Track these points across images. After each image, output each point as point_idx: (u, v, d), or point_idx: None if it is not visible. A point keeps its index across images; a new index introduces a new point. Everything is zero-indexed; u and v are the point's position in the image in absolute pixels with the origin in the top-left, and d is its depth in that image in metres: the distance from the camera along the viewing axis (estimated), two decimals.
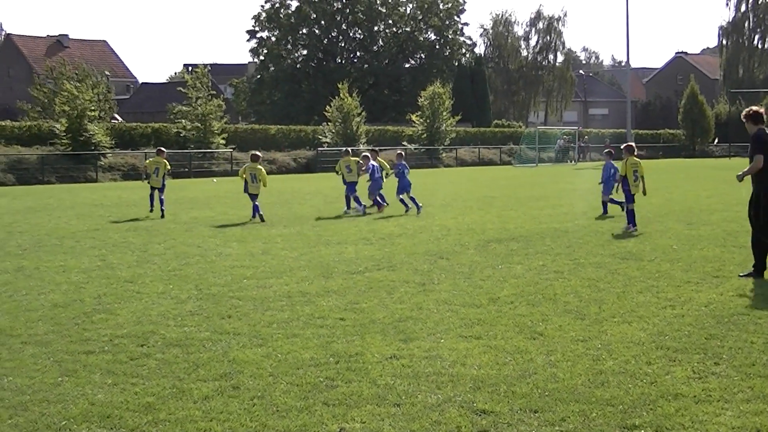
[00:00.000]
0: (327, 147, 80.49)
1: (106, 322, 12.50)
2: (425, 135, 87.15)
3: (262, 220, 27.97)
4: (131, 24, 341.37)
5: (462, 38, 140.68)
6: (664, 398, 8.71)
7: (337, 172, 34.20)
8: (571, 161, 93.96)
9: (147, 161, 33.78)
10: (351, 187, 32.38)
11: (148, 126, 76.66)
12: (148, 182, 32.13)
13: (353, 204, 31.86)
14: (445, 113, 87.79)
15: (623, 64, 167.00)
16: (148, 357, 10.49)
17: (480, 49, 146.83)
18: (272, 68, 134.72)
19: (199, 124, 73.70)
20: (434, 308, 13.18)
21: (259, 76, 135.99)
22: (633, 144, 24.95)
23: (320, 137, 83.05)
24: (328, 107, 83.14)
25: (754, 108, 16.51)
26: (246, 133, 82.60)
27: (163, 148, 35.49)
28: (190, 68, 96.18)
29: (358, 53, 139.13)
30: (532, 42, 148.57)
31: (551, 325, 11.90)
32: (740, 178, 16.36)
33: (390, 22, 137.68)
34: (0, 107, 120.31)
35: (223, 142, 74.38)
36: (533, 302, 13.61)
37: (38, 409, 8.55)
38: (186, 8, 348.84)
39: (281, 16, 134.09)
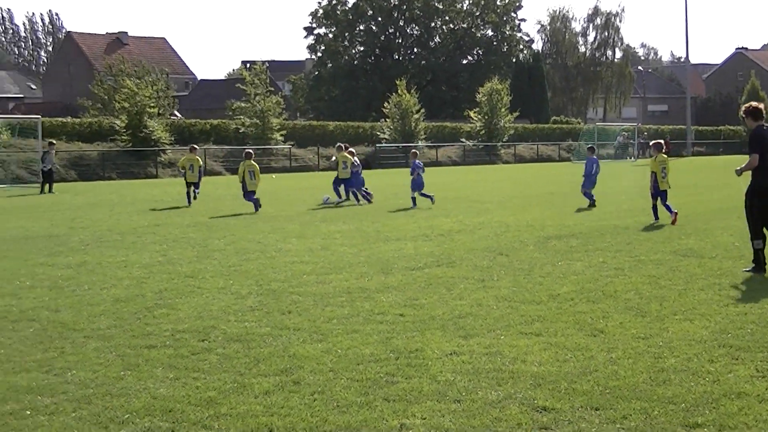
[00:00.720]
0: (385, 143, 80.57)
1: (167, 316, 12.58)
2: (483, 131, 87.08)
3: (258, 208, 30.61)
4: (190, 21, 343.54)
5: (519, 34, 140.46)
6: (726, 397, 8.61)
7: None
8: (630, 158, 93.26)
9: (181, 159, 35.37)
10: (347, 182, 35.21)
11: (207, 122, 77.19)
12: (185, 178, 34.19)
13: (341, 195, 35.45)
14: (503, 109, 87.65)
15: (682, 60, 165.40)
16: (210, 352, 10.54)
17: (537, 46, 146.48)
18: (330, 65, 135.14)
19: (258, 121, 74.07)
20: (494, 305, 13.13)
21: (316, 73, 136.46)
22: (661, 141, 26.17)
23: (378, 134, 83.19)
24: (386, 104, 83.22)
25: (754, 104, 16.79)
26: (304, 129, 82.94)
27: (195, 146, 38.26)
28: (248, 65, 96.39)
29: (415, 49, 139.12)
30: (590, 38, 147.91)
31: (612, 323, 11.81)
32: (739, 173, 16.83)
33: (447, 18, 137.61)
34: (61, 104, 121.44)
35: (281, 138, 74.69)
36: (593, 299, 13.51)
37: (101, 403, 8.62)
38: (244, 5, 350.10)
39: (338, 12, 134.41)
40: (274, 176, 60.34)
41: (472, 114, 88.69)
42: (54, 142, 49.97)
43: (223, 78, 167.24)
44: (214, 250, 20.16)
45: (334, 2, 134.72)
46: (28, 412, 8.36)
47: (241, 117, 75.71)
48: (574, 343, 10.73)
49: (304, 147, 77.27)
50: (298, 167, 72.04)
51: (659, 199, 25.47)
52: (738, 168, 16.76)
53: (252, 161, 32.24)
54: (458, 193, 37.09)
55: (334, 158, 37.06)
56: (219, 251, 19.87)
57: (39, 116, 58.70)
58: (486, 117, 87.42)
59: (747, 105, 16.74)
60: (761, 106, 16.60)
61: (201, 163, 35.67)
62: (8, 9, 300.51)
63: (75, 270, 17.20)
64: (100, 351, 10.61)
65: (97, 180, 57.90)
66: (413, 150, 36.27)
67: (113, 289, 14.91)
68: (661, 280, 15.18)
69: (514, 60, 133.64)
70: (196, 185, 34.83)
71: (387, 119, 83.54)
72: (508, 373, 9.44)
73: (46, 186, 44.46)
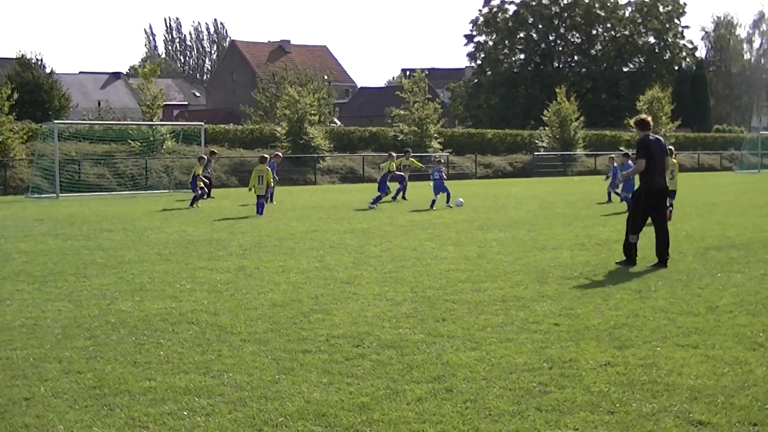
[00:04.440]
0: (543, 152, 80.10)
1: (322, 322, 12.69)
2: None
3: (261, 211, 32.26)
4: (351, 30, 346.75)
5: (682, 42, 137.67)
6: None
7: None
8: None
9: (254, 173, 35.02)
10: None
11: (366, 129, 77.72)
12: (254, 191, 33.80)
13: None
14: (664, 118, 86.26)
15: None
16: (363, 357, 10.60)
17: (700, 52, 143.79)
18: (489, 72, 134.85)
19: (416, 128, 74.24)
20: (650, 316, 12.93)
21: (476, 81, 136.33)
22: (671, 147, 27.62)
23: (536, 142, 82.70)
24: (545, 111, 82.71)
25: (643, 116, 19.05)
26: (462, 137, 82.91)
27: (266, 155, 38.02)
28: (407, 73, 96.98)
29: (575, 57, 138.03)
30: (756, 44, 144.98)
31: None
32: (624, 178, 20.50)
33: (608, 25, 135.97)
34: (224, 111, 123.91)
35: (439, 146, 74.75)
36: (753, 312, 13.20)
37: (256, 405, 8.74)
38: (404, 13, 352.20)
39: (499, 20, 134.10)
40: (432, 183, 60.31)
41: (632, 122, 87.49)
42: (216, 151, 50.96)
43: (383, 86, 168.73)
44: (370, 256, 20.29)
45: (495, 10, 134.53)
46: (186, 413, 8.53)
47: (400, 124, 76.08)
48: (732, 356, 10.50)
49: (462, 155, 77.21)
50: (456, 175, 72.00)
51: (673, 196, 27.92)
52: (623, 173, 19.73)
53: (264, 166, 33.44)
54: (616, 202, 36.59)
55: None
56: (375, 258, 19.99)
57: (202, 123, 59.92)
58: None
59: (636, 117, 19.22)
60: (649, 118, 18.91)
61: (271, 176, 35.24)
62: (176, 18, 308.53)
63: (234, 274, 17.50)
64: (256, 354, 10.77)
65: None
66: (437, 158, 39.80)
67: (270, 294, 15.12)
68: None
69: (676, 68, 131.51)
70: (265, 197, 34.69)
71: (546, 127, 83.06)
72: (663, 385, 9.29)
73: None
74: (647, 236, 19.18)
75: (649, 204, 18.40)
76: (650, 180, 18.20)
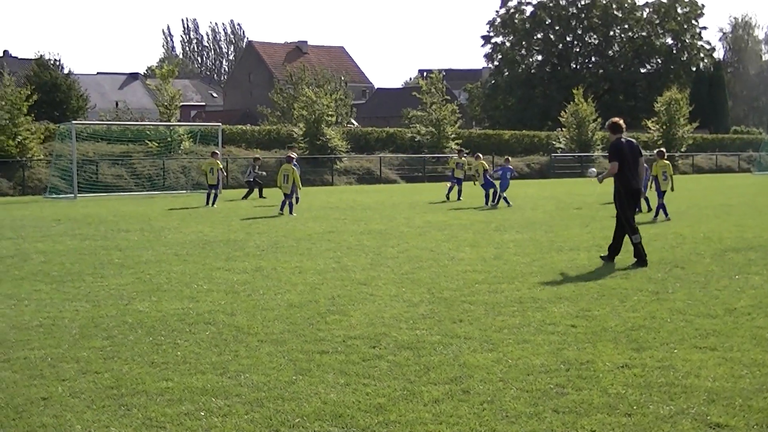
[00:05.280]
0: (561, 153, 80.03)
1: (339, 323, 12.69)
2: (661, 141, 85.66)
3: (283, 212, 32.94)
4: (368, 30, 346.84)
5: (700, 43, 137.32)
6: None
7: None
8: None
9: (203, 164, 40.96)
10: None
11: (383, 131, 77.72)
12: (207, 181, 39.02)
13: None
14: (681, 119, 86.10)
15: None
16: (380, 359, 10.60)
17: (719, 54, 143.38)
18: (506, 73, 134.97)
19: (433, 129, 74.22)
20: (668, 317, 12.90)
21: (493, 81, 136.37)
22: (663, 150, 32.58)
23: (554, 143, 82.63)
24: (562, 113, 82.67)
25: (615, 119, 19.39)
26: (480, 138, 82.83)
27: (216, 151, 42.84)
28: (424, 74, 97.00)
29: (593, 58, 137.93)
30: None
31: None
32: (600, 180, 20.01)
33: (626, 26, 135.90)
34: (241, 111, 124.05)
35: (456, 147, 74.61)
36: None
37: (273, 406, 8.74)
38: (421, 14, 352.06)
39: (516, 21, 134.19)
40: (449, 184, 60.28)
41: (649, 124, 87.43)
42: (259, 157, 51.58)
43: (400, 86, 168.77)
44: (387, 257, 20.28)
45: (512, 11, 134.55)
46: (203, 413, 8.55)
47: (417, 125, 76.12)
48: (750, 358, 10.46)
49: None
50: (472, 176, 71.82)
51: (662, 196, 30.18)
52: (600, 175, 20.00)
53: (290, 165, 33.92)
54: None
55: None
56: (392, 259, 19.99)
57: (219, 123, 59.94)
58: (664, 127, 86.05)
59: (609, 121, 19.45)
60: (620, 121, 19.26)
61: (221, 166, 40.07)
62: (194, 19, 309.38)
63: (251, 275, 17.52)
64: (273, 355, 10.78)
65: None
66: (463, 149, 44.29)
67: (287, 295, 15.13)
68: None
69: (694, 69, 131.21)
70: (216, 187, 39.12)
71: (563, 128, 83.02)
72: (681, 387, 9.26)
73: (255, 192, 47.33)
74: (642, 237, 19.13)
75: (631, 203, 19.16)
76: (626, 182, 18.75)
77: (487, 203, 37.41)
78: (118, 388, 9.39)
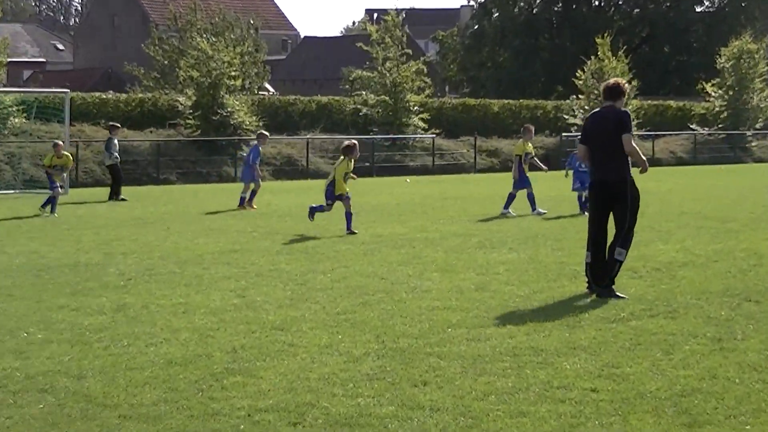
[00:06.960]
0: (575, 132, 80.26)
1: (243, 388, 12.61)
2: (726, 114, 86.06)
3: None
4: None
5: None
6: None
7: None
8: None
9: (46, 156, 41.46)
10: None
11: (313, 100, 77.51)
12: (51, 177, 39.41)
13: None
14: (757, 81, 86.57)
15: None
16: None
17: None
18: (496, 14, 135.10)
19: (388, 98, 73.97)
20: (736, 377, 12.90)
21: (476, 27, 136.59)
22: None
23: (566, 117, 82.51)
24: (579, 72, 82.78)
25: (611, 81, 20.24)
26: (456, 111, 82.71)
27: (60, 141, 42.24)
28: (374, 15, 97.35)
29: None
30: None
31: None
32: (645, 169, 19.99)
33: None
34: (100, 72, 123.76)
35: (422, 124, 74.47)
36: None
37: None
38: None
39: None
40: (408, 180, 60.52)
41: (708, 88, 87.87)
42: (118, 125, 50.93)
43: (338, 35, 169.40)
44: (315, 289, 20.26)
45: None
46: None
47: (363, 92, 76.07)
48: None
49: (456, 137, 77.19)
50: (447, 166, 72.02)
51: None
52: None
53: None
54: (684, 205, 36.81)
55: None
56: (323, 291, 19.96)
57: (66, 89, 59.47)
58: (731, 92, 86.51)
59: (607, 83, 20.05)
60: (618, 82, 19.90)
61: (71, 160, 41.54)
62: None
63: (110, 317, 17.42)
64: None
65: (149, 184, 58.64)
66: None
67: (165, 346, 15.04)
68: None
69: None
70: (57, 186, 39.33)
71: (580, 96, 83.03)
72: None
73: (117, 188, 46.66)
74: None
75: (593, 201, 19.93)
76: (591, 170, 19.85)
77: (533, 209, 36.53)
78: None
